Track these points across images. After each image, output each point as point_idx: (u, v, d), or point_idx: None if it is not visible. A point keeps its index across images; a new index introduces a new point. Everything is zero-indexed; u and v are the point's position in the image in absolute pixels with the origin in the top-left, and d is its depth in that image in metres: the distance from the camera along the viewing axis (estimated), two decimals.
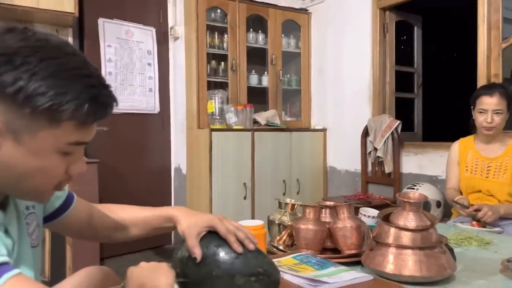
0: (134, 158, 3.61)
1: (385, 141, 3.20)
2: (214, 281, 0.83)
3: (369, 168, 3.44)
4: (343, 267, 1.14)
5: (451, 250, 1.29)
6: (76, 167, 0.74)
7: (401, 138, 3.22)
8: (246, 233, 0.90)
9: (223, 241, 0.87)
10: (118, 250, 3.37)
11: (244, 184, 3.42)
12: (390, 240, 1.21)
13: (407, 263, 1.16)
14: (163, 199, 3.75)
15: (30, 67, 0.64)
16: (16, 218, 0.80)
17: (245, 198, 3.41)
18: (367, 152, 3.38)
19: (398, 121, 3.20)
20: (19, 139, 0.67)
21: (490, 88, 2.08)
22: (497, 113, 2.02)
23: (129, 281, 0.79)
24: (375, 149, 3.27)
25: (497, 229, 1.89)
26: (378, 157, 3.28)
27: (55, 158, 0.70)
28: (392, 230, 1.22)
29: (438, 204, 2.78)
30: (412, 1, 3.25)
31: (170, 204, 3.81)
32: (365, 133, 3.40)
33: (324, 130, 3.87)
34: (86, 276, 1.06)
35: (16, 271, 0.63)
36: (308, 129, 3.90)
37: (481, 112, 2.06)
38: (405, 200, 1.24)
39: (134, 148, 3.61)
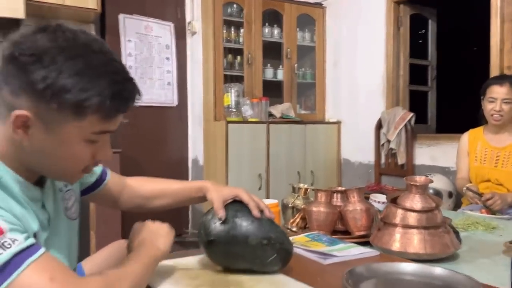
0: (153, 149, 3.74)
1: (398, 133, 3.25)
2: (231, 240, 0.95)
3: (383, 160, 3.50)
4: (352, 244, 1.22)
5: (456, 233, 1.36)
6: (102, 153, 0.82)
7: (414, 130, 3.27)
8: (266, 205, 1.03)
9: (244, 208, 0.99)
10: None
11: (259, 175, 3.51)
12: (397, 220, 1.28)
13: (413, 242, 1.23)
14: None
15: (58, 65, 0.70)
16: (53, 195, 0.90)
17: (260, 188, 3.50)
18: (381, 144, 3.44)
19: (412, 114, 3.25)
20: (48, 129, 0.74)
21: (501, 78, 2.14)
22: (506, 102, 2.07)
23: (133, 235, 0.94)
24: (388, 141, 3.32)
25: (506, 216, 1.94)
26: (391, 149, 3.33)
27: (82, 146, 0.78)
28: (399, 211, 1.29)
29: (450, 195, 2.83)
30: None
31: None
32: (379, 126, 3.46)
33: (338, 123, 3.93)
34: (117, 248, 1.17)
35: (39, 252, 0.71)
36: (322, 122, 3.97)
37: (491, 101, 2.11)
38: (412, 183, 1.31)
39: (153, 139, 3.74)
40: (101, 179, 1.08)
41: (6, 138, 0.78)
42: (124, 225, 2.90)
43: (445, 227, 1.28)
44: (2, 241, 0.68)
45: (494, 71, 2.74)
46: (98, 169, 1.07)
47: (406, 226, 1.26)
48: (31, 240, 0.72)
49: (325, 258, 1.07)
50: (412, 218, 1.27)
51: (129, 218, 1.13)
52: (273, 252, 0.94)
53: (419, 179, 1.34)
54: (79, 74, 0.71)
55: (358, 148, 3.73)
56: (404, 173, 3.29)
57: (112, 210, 2.77)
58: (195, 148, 3.88)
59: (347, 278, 0.89)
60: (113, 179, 1.11)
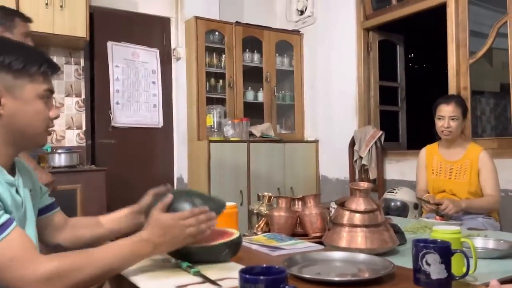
0: (139, 168, 3.90)
1: (369, 150, 3.47)
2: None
3: (357, 175, 3.70)
4: (300, 241, 1.41)
5: (400, 233, 1.55)
6: (54, 111, 1.09)
7: (384, 147, 3.49)
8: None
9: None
10: None
11: (241, 191, 3.69)
12: (345, 220, 1.47)
13: (356, 239, 1.41)
14: None
15: (7, 49, 1.05)
16: (22, 186, 1.10)
17: (241, 204, 3.67)
18: (354, 161, 3.65)
19: (381, 132, 3.48)
20: (15, 96, 1.02)
21: (447, 98, 2.38)
22: (453, 119, 2.30)
23: (154, 224, 1.07)
24: (361, 158, 3.54)
25: (458, 222, 2.14)
26: (364, 165, 3.55)
27: (40, 103, 1.05)
28: (346, 213, 1.48)
29: (416, 206, 3.03)
30: (393, 22, 3.57)
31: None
32: (352, 143, 3.68)
33: (316, 141, 4.15)
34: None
35: (9, 229, 0.90)
36: (301, 141, 4.19)
37: (439, 118, 2.34)
38: (356, 188, 1.51)
39: (139, 159, 3.91)
40: (53, 206, 1.25)
41: None
42: None
43: (385, 225, 1.47)
44: None
45: (452, 92, 2.99)
46: (51, 199, 1.26)
47: (352, 225, 1.44)
48: (5, 217, 0.91)
49: (274, 251, 1.26)
50: (357, 219, 1.46)
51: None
52: (225, 248, 1.13)
53: (363, 184, 1.54)
54: (19, 49, 1.06)
55: (335, 164, 3.95)
56: (375, 187, 3.49)
57: (99, 214, 2.87)
58: (180, 166, 4.06)
59: (284, 262, 1.08)
60: (60, 212, 1.28)
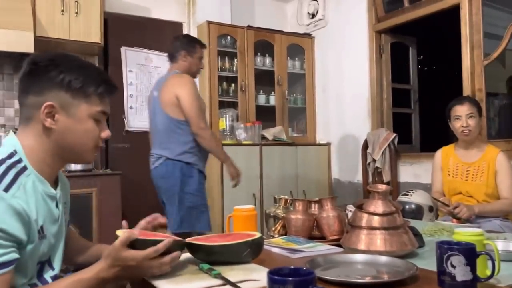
0: None
1: (382, 153, 3.45)
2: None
3: (370, 178, 3.69)
4: (320, 244, 1.41)
5: (419, 235, 1.55)
6: (105, 132, 1.12)
7: (397, 149, 3.47)
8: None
9: None
10: None
11: (253, 194, 3.70)
12: (363, 223, 1.46)
13: (375, 241, 1.41)
14: None
15: (66, 65, 1.05)
16: (62, 201, 1.12)
17: None
18: (367, 164, 3.64)
19: (394, 134, 3.46)
20: (69, 113, 1.05)
21: (460, 99, 2.37)
22: (471, 116, 2.29)
23: (114, 260, 1.01)
24: (374, 161, 3.52)
25: (474, 225, 2.12)
26: (377, 167, 3.53)
27: (91, 123, 1.08)
28: (364, 215, 1.48)
29: (431, 209, 3.00)
30: (405, 24, 3.56)
31: None
32: (365, 146, 3.67)
33: (328, 144, 4.14)
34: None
35: (4, 271, 0.89)
36: (313, 144, 4.19)
37: (457, 119, 2.33)
38: (374, 190, 1.51)
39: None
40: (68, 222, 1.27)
41: (34, 134, 1.04)
42: None
43: (404, 228, 1.46)
44: None
45: (466, 93, 2.97)
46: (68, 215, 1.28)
47: (370, 228, 1.44)
48: (5, 258, 0.90)
49: (294, 253, 1.26)
50: (375, 221, 1.45)
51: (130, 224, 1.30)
52: (246, 247, 1.13)
53: (381, 187, 1.53)
54: (79, 69, 1.06)
55: (347, 168, 3.93)
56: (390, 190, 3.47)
57: (114, 217, 2.90)
58: None
59: (306, 264, 1.08)
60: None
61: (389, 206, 1.49)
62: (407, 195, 3.06)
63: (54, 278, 1.08)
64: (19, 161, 1.00)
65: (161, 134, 2.63)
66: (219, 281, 1.02)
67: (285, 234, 1.72)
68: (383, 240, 1.40)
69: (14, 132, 1.08)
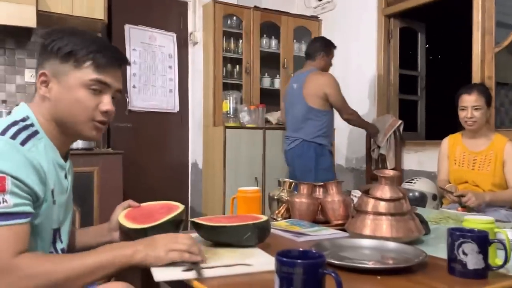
0: (155, 153, 3.91)
1: (387, 139, 3.41)
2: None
3: (373, 165, 3.65)
4: (325, 228, 1.38)
5: (425, 223, 1.52)
6: (104, 104, 1.05)
7: (403, 136, 3.43)
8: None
9: None
10: None
11: (256, 178, 3.67)
12: (369, 208, 1.43)
13: (381, 227, 1.38)
14: (180, 192, 4.04)
15: (61, 34, 1.04)
16: (71, 173, 1.11)
17: None
18: (371, 150, 3.60)
19: (400, 121, 3.42)
20: (59, 80, 1.02)
21: (469, 88, 2.31)
22: (476, 109, 2.24)
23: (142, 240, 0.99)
24: (378, 147, 3.48)
25: (481, 213, 2.09)
26: (381, 154, 3.49)
27: (83, 92, 1.02)
28: (371, 201, 1.45)
29: (434, 197, 2.98)
30: (415, 9, 3.47)
31: (187, 196, 4.10)
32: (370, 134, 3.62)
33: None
34: None
35: (11, 222, 0.87)
36: None
37: (462, 109, 2.28)
38: (382, 175, 1.47)
39: (155, 143, 3.91)
40: None
41: (37, 104, 1.04)
42: None
43: (410, 214, 1.44)
44: None
45: (475, 81, 2.91)
46: None
47: (377, 213, 1.41)
48: (21, 209, 0.88)
49: (299, 237, 1.23)
50: (382, 206, 1.42)
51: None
52: (247, 231, 1.10)
53: (388, 172, 1.50)
54: (74, 36, 1.03)
55: (351, 153, 3.90)
56: None
57: (115, 196, 2.90)
58: (195, 152, 4.05)
59: (312, 248, 1.05)
60: None
61: (396, 191, 1.46)
62: (411, 182, 3.02)
63: (62, 251, 1.06)
64: (32, 125, 0.99)
65: (298, 120, 3.11)
66: (212, 263, 0.98)
67: (289, 218, 1.70)
68: (389, 226, 1.38)
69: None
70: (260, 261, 0.99)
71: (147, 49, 3.85)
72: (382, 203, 1.43)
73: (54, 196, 1.00)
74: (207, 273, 0.91)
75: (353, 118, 3.20)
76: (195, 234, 1.18)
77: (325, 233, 1.29)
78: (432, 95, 4.05)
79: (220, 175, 3.57)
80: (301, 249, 0.73)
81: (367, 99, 3.74)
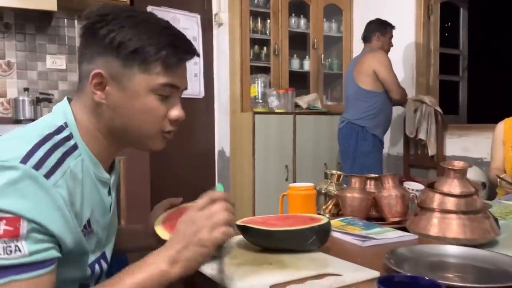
0: (180, 141, 3.77)
1: (428, 123, 3.18)
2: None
3: (412, 151, 3.44)
4: (389, 228, 1.20)
5: (495, 220, 1.33)
6: (174, 111, 0.85)
7: (444, 120, 3.19)
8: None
9: None
10: None
11: (286, 166, 3.51)
12: (435, 205, 1.26)
13: (451, 226, 1.20)
14: (207, 180, 3.91)
15: (119, 21, 0.79)
16: (115, 186, 0.93)
17: (286, 179, 3.49)
18: (410, 133, 3.38)
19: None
20: (121, 85, 0.81)
21: None
22: None
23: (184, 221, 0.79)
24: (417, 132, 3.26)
25: None
26: (421, 140, 3.27)
27: (152, 99, 0.82)
28: (437, 196, 1.27)
29: (483, 186, 2.76)
30: None
31: (214, 185, 3.95)
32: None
33: None
34: None
35: (28, 275, 0.67)
36: None
37: None
38: (450, 167, 1.28)
39: (180, 130, 3.69)
40: None
41: (85, 108, 0.83)
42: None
43: (485, 212, 1.25)
44: (8, 244, 0.66)
45: None
46: None
47: (444, 211, 1.23)
48: (40, 256, 0.69)
49: (363, 241, 1.06)
50: (451, 203, 1.24)
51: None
52: (312, 234, 0.94)
53: (457, 163, 1.31)
54: (138, 27, 0.80)
55: (387, 139, 3.67)
56: (434, 164, 3.23)
57: (142, 186, 2.81)
58: (221, 140, 3.90)
59: (389, 258, 0.88)
60: None
61: (467, 186, 1.27)
62: None
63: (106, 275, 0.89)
64: (69, 137, 0.79)
65: (349, 100, 3.13)
66: (294, 274, 0.82)
67: (337, 214, 1.54)
68: (461, 225, 1.20)
69: (70, 100, 0.86)
70: (345, 269, 0.84)
71: None
72: (452, 199, 1.25)
73: (92, 224, 0.82)
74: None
75: (405, 100, 3.12)
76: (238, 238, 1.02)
77: (391, 235, 1.12)
78: (475, 76, 3.77)
79: (249, 163, 3.41)
80: (409, 274, 0.56)
81: (405, 81, 3.49)
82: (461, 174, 1.28)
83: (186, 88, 0.88)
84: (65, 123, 0.81)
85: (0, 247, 0.66)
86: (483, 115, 3.57)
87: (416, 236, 1.16)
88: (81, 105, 0.84)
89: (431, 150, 3.19)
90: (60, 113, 0.82)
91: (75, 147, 0.79)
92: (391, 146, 3.65)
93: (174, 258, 0.74)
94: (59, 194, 0.71)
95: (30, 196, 0.68)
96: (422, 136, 3.23)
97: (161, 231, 0.90)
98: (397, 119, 3.48)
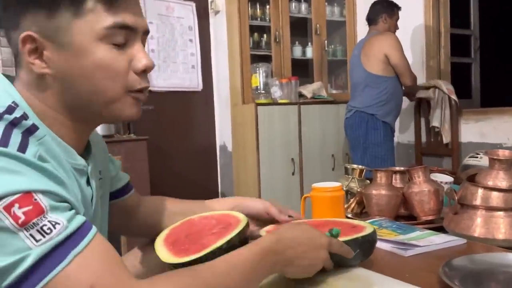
0: (179, 137, 3.60)
1: (441, 109, 3.01)
2: None
3: (424, 138, 3.27)
4: (430, 231, 1.03)
5: None
6: (137, 60, 0.67)
7: (459, 105, 3.02)
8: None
9: None
10: None
11: (292, 159, 3.33)
12: (478, 201, 1.09)
13: (499, 226, 1.04)
14: (209, 177, 3.74)
15: None
16: (95, 173, 0.75)
17: (293, 173, 3.32)
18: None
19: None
20: (59, 43, 0.63)
21: None
22: None
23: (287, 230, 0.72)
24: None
25: None
26: (434, 127, 3.10)
27: (104, 51, 0.64)
28: (480, 191, 1.10)
29: None
30: None
31: (217, 181, 3.79)
32: (419, 102, 3.22)
33: None
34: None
35: (85, 241, 0.56)
36: None
37: None
38: (494, 157, 1.11)
39: (179, 126, 3.59)
40: (127, 188, 0.94)
41: (29, 85, 0.66)
42: None
43: None
44: (41, 225, 0.53)
45: None
46: (126, 177, 0.94)
47: (491, 208, 1.07)
48: (78, 221, 0.57)
49: (405, 249, 0.89)
50: (498, 199, 1.07)
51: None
52: (356, 247, 0.76)
53: (503, 153, 1.14)
54: None
55: (396, 126, 3.50)
56: (449, 152, 3.06)
57: (142, 186, 2.65)
58: (223, 134, 3.72)
59: (447, 273, 0.71)
60: (135, 193, 0.97)
61: None
62: (476, 157, 2.62)
63: None
64: (24, 117, 0.61)
65: (356, 87, 2.95)
66: None
67: (361, 213, 1.37)
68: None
69: (7, 77, 0.67)
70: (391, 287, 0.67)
71: (165, 22, 3.48)
72: (498, 195, 1.08)
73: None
74: None
75: (415, 87, 2.96)
76: None
77: (436, 240, 0.95)
78: (488, 57, 3.59)
79: (253, 158, 3.24)
80: None
81: (414, 65, 3.30)
82: (508, 165, 1.11)
83: (146, 30, 0.70)
84: (14, 102, 0.62)
85: (35, 233, 0.53)
86: (497, 98, 3.39)
87: (465, 240, 0.99)
88: (23, 84, 0.66)
89: (446, 138, 3.01)
90: (2, 92, 0.63)
91: (34, 127, 0.61)
92: (401, 134, 3.47)
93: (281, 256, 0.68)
94: (48, 166, 0.58)
95: (17, 170, 0.54)
96: (435, 123, 3.06)
97: (162, 250, 0.72)
98: (407, 106, 3.30)
